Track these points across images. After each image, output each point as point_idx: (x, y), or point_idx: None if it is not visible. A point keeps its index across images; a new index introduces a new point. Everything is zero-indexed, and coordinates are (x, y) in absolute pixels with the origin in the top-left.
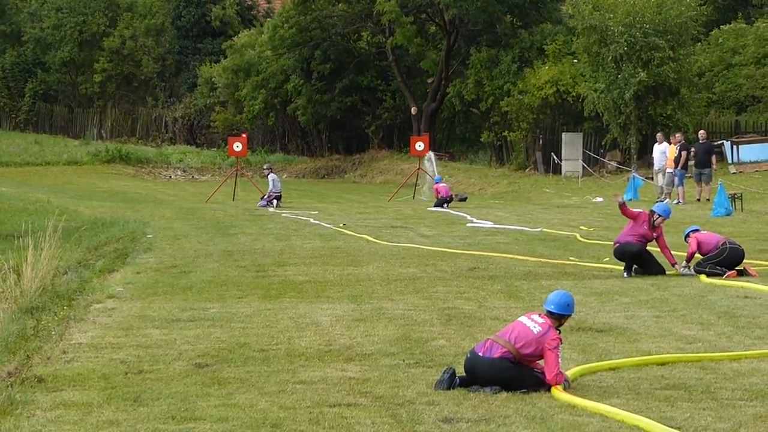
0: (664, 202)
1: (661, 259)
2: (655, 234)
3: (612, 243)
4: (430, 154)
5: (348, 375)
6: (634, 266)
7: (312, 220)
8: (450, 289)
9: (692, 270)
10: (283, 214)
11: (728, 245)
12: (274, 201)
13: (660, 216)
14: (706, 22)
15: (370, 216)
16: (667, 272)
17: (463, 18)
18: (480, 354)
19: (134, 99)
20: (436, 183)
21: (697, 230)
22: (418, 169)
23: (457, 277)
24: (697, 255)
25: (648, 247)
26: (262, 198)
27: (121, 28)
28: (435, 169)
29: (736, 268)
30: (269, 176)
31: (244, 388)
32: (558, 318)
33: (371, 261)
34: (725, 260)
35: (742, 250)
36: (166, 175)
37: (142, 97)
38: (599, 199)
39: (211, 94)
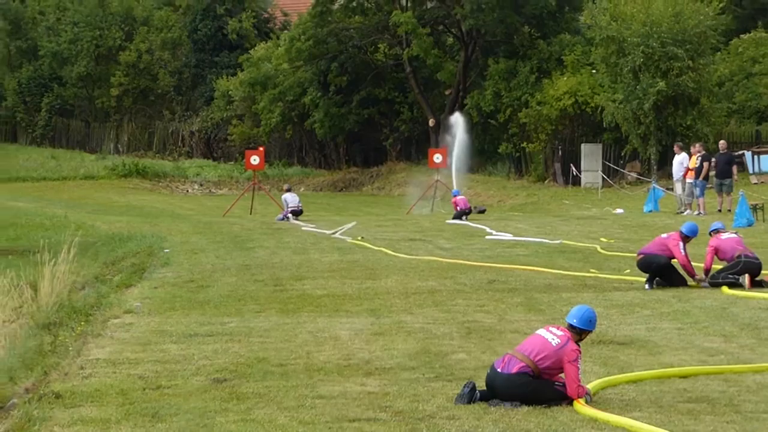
0: (684, 213)
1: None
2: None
3: (635, 254)
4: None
5: (367, 389)
6: (656, 278)
7: (346, 238)
8: (469, 302)
9: (707, 284)
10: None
11: (743, 258)
12: (289, 216)
13: (687, 236)
14: (725, 31)
15: (389, 229)
16: (688, 284)
17: (481, 29)
18: (499, 370)
19: (151, 113)
20: (455, 196)
21: (721, 229)
22: (436, 181)
23: (477, 290)
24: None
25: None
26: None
27: (137, 42)
28: (454, 181)
29: (755, 279)
30: (282, 195)
31: (262, 403)
32: (579, 332)
33: (390, 274)
34: (740, 273)
35: (759, 262)
36: (183, 189)
37: (158, 111)
38: (619, 211)
39: (227, 107)
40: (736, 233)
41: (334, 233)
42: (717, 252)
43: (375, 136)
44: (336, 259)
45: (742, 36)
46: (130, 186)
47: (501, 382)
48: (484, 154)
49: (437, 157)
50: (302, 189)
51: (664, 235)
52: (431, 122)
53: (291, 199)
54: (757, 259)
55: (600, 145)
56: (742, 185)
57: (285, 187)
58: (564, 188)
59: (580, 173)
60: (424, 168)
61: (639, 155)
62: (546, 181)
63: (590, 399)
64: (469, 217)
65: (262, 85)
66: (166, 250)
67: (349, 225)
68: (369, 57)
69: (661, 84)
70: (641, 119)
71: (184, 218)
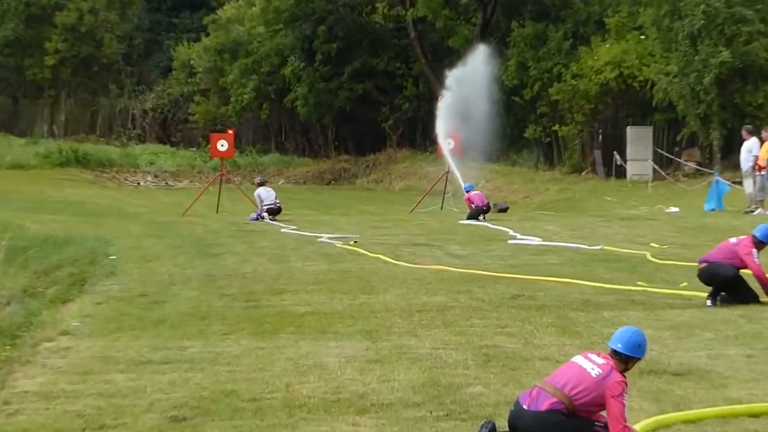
0: (755, 212)
1: (754, 283)
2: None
3: (697, 263)
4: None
5: (361, 430)
6: (721, 293)
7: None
8: (488, 323)
9: None
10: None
11: None
12: (265, 215)
13: (762, 242)
14: None
15: (388, 231)
16: (761, 300)
17: None
18: (525, 406)
19: (94, 87)
20: (468, 191)
21: None
22: (446, 173)
23: (497, 306)
24: None
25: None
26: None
27: (77, 0)
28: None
29: None
30: (255, 191)
31: None
32: (625, 360)
33: (389, 287)
34: None
35: None
36: (133, 182)
37: (103, 84)
38: (674, 209)
39: (189, 80)
40: None
41: (325, 238)
42: None
43: (371, 117)
44: (323, 268)
45: None
46: (69, 177)
47: (527, 422)
48: (506, 139)
49: (448, 143)
50: (281, 182)
51: (732, 240)
52: (441, 100)
53: (266, 194)
54: None
55: (650, 129)
56: None
57: (258, 180)
58: (605, 181)
59: (625, 163)
60: (431, 156)
61: (698, 141)
62: (583, 173)
63: None
64: (487, 216)
65: (232, 52)
66: (112, 257)
67: (351, 236)
68: (364, 19)
69: (726, 53)
70: (701, 97)
71: (134, 217)
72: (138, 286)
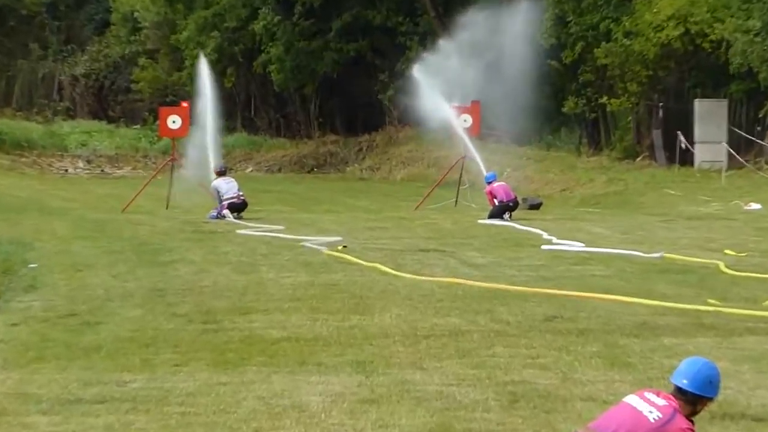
0: None
1: None
2: None
3: None
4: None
5: None
6: None
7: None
8: (515, 351)
9: None
10: (248, 232)
11: None
12: (226, 212)
13: None
14: None
15: (387, 233)
16: None
17: None
18: None
19: (9, 47)
20: (489, 182)
21: None
22: (463, 158)
23: (527, 331)
24: None
25: None
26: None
27: None
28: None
29: None
30: (213, 182)
31: None
32: (692, 400)
33: (388, 305)
34: None
35: None
36: (60, 168)
37: (21, 43)
38: (755, 206)
39: (132, 38)
40: None
41: (310, 243)
42: None
43: (365, 86)
44: (303, 280)
45: None
46: None
47: None
48: (539, 115)
49: (464, 119)
50: (249, 169)
51: None
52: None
53: (226, 186)
54: None
55: (724, 102)
56: None
57: (216, 167)
58: (667, 169)
59: (692, 146)
60: (443, 137)
61: None
62: (638, 159)
63: None
64: (514, 215)
65: (187, 2)
66: (31, 266)
67: (333, 239)
68: None
69: None
70: None
71: (61, 214)
72: (65, 303)
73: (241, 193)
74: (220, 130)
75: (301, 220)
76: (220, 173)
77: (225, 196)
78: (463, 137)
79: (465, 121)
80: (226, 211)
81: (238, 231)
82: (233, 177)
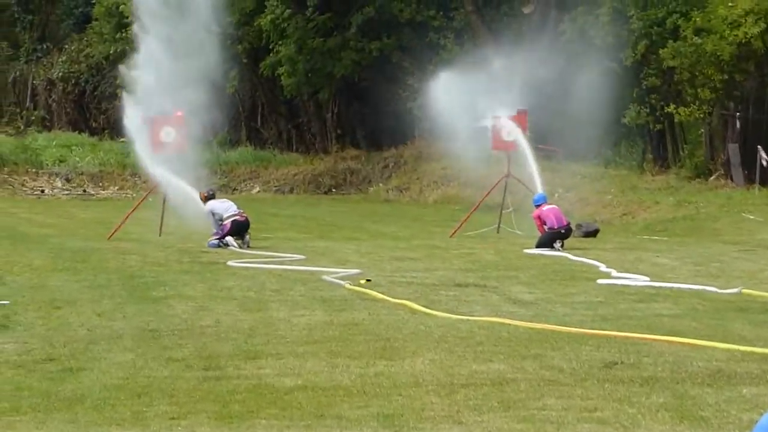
0: None
1: None
2: None
3: None
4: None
5: None
6: None
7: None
8: (569, 404)
9: None
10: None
11: None
12: (230, 240)
13: None
14: None
15: (418, 264)
16: None
17: None
18: None
19: None
20: (538, 204)
21: None
22: (506, 177)
23: (582, 380)
24: None
25: None
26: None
27: None
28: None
29: None
30: (206, 208)
31: None
32: None
33: (419, 349)
34: None
35: None
36: (35, 188)
37: None
38: None
39: (118, 36)
40: None
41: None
42: None
43: (392, 92)
44: (320, 320)
45: None
46: None
47: None
48: (596, 126)
49: (508, 131)
50: (256, 190)
51: None
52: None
53: (222, 206)
54: None
55: None
56: None
57: (205, 191)
58: (745, 190)
59: None
60: (484, 151)
61: None
62: (712, 178)
63: None
64: (567, 243)
65: None
66: (2, 303)
67: (354, 271)
68: None
69: None
70: None
71: (37, 242)
72: (43, 346)
73: (242, 211)
74: (222, 143)
75: (317, 249)
76: (209, 197)
77: (226, 215)
78: (525, 150)
79: (509, 131)
80: (229, 239)
81: (237, 263)
82: (227, 197)
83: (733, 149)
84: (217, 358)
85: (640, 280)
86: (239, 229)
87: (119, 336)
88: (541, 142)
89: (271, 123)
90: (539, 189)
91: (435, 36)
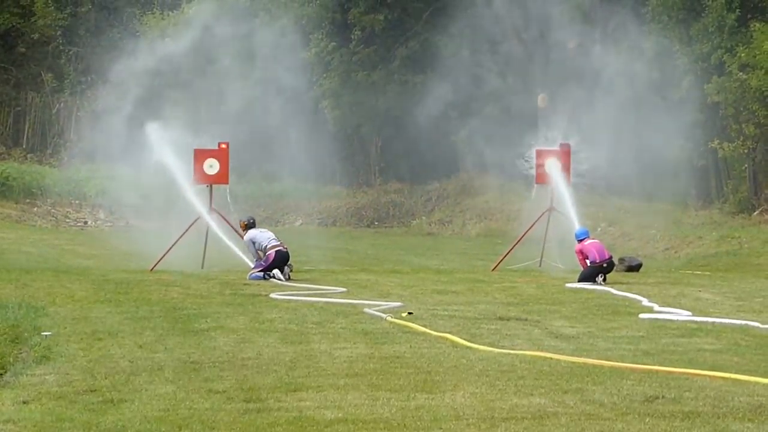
0: None
1: None
2: None
3: None
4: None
5: None
6: None
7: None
8: None
9: None
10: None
11: None
12: (276, 272)
13: None
14: None
15: (459, 298)
16: None
17: None
18: None
19: (19, 77)
20: (580, 239)
21: None
22: (550, 210)
23: (624, 414)
24: None
25: None
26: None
27: None
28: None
29: None
30: (245, 236)
31: None
32: None
33: (461, 382)
34: None
35: None
36: (78, 220)
37: (32, 74)
38: None
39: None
40: None
41: (370, 309)
42: None
43: (436, 125)
44: (361, 352)
45: None
46: None
47: None
48: (639, 161)
49: (550, 164)
50: (299, 222)
51: None
52: (541, 100)
53: (262, 236)
54: None
55: None
56: None
57: (244, 220)
58: None
59: None
60: (525, 185)
61: None
62: (756, 213)
63: None
64: (609, 277)
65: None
66: (45, 334)
67: (396, 304)
68: None
69: None
70: None
71: (79, 274)
72: (84, 377)
73: (282, 243)
74: (265, 175)
75: (359, 282)
76: (249, 225)
77: (269, 245)
78: (559, 183)
79: (550, 164)
80: (275, 271)
81: (278, 295)
82: (268, 228)
83: None
84: (258, 391)
85: (683, 315)
86: (282, 261)
87: (160, 368)
88: (585, 175)
89: (315, 156)
90: (576, 225)
91: (479, 69)
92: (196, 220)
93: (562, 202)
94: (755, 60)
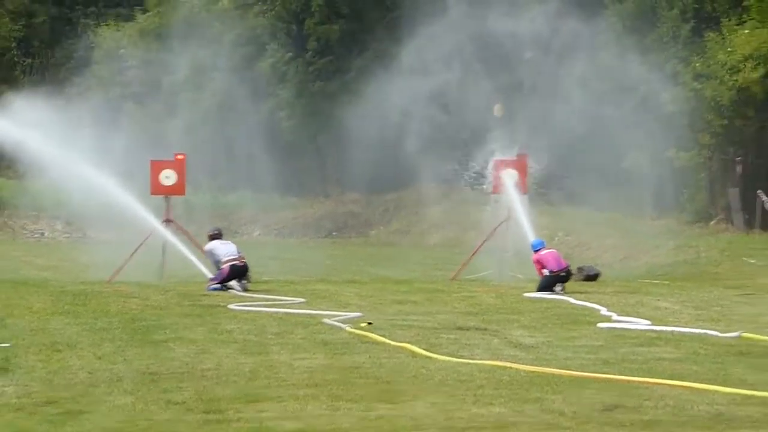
0: None
1: None
2: None
3: None
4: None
5: None
6: None
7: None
8: None
9: None
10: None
11: None
12: (233, 284)
13: None
14: None
15: (418, 308)
16: None
17: None
18: None
19: None
20: (536, 249)
21: None
22: (507, 220)
23: (584, 423)
24: None
25: None
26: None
27: None
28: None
29: None
30: (207, 245)
31: None
32: None
33: (420, 392)
34: None
35: None
36: (34, 231)
37: None
38: None
39: (117, 79)
40: None
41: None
42: None
43: (392, 135)
44: (321, 363)
45: None
46: None
47: None
48: (595, 171)
49: (508, 174)
50: (257, 233)
51: None
52: (497, 110)
53: (223, 249)
54: None
55: None
56: None
57: (210, 231)
58: (745, 235)
59: None
60: (484, 195)
61: None
62: (712, 222)
63: None
64: (567, 286)
65: (182, 38)
66: (3, 345)
67: (355, 314)
68: None
69: None
70: None
71: (36, 285)
72: (43, 389)
73: (242, 255)
74: (221, 187)
75: (318, 293)
76: (214, 236)
77: (225, 259)
78: (510, 193)
79: (509, 174)
80: (233, 282)
81: (237, 306)
82: (230, 240)
83: (733, 194)
84: (218, 402)
85: (641, 324)
86: (237, 275)
87: (119, 379)
88: (543, 187)
89: (270, 167)
90: (531, 236)
91: (434, 79)
92: (149, 236)
93: (516, 212)
94: (710, 70)
